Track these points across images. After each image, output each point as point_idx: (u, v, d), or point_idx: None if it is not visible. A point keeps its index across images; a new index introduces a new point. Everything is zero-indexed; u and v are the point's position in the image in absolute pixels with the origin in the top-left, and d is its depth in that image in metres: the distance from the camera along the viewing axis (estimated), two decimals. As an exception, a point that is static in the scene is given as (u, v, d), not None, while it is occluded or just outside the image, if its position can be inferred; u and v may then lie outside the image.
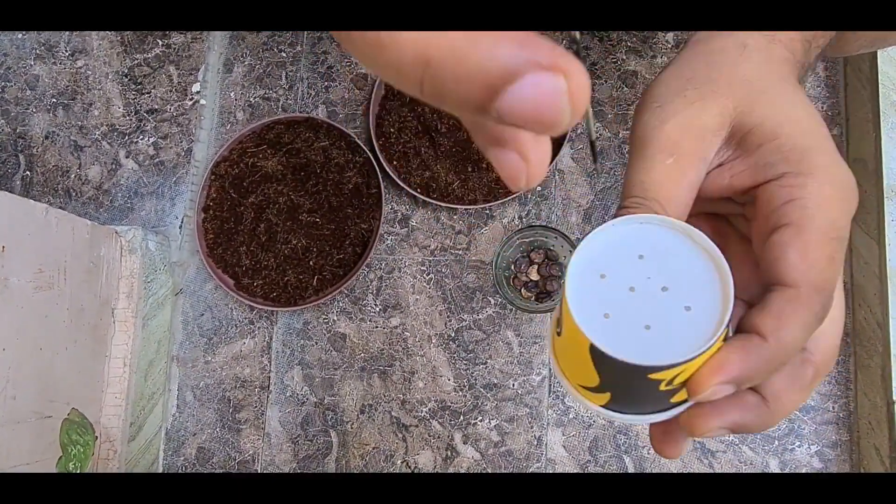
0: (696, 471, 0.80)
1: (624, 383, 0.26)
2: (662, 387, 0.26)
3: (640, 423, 0.29)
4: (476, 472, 0.83)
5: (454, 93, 0.14)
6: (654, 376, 0.25)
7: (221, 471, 0.88)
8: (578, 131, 0.90)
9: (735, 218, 0.31)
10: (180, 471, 0.88)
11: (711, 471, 0.80)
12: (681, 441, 0.29)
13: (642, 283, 0.26)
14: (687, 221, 0.27)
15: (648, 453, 0.82)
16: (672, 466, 0.81)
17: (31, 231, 0.67)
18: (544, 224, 0.87)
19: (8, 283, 0.63)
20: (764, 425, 0.27)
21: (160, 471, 0.88)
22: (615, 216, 0.28)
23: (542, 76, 0.14)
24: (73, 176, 0.94)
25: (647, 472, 0.81)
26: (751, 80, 0.28)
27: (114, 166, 0.94)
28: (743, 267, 0.28)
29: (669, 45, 0.90)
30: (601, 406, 0.28)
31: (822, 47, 0.36)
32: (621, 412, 0.28)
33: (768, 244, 0.26)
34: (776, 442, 0.80)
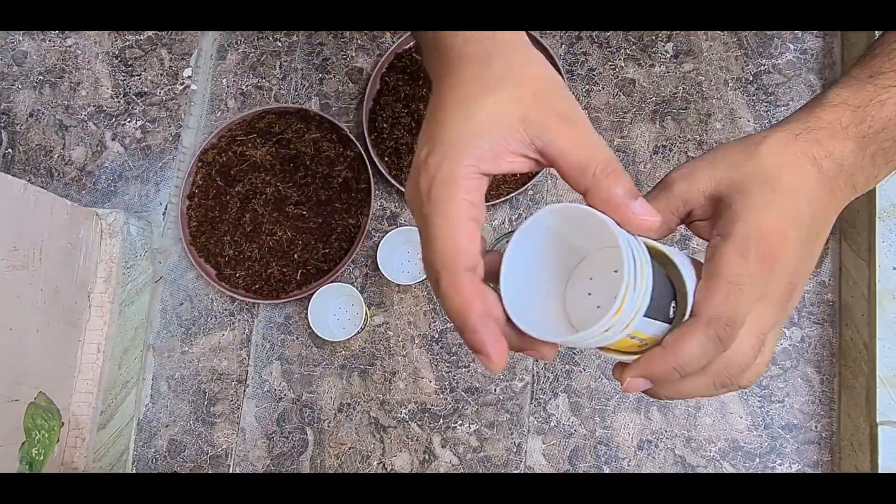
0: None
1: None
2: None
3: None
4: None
5: None
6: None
7: (192, 464, 0.85)
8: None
9: None
10: (151, 462, 0.86)
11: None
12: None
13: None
14: None
15: (629, 465, 0.81)
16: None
17: (7, 207, 0.65)
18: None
19: (-21, 260, 0.61)
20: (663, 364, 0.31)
21: (130, 461, 0.86)
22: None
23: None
24: (56, 156, 0.92)
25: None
26: (754, 162, 0.33)
27: (99, 148, 0.92)
28: None
29: (668, 55, 0.89)
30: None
31: (888, 150, 0.34)
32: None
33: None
34: (757, 459, 0.79)
